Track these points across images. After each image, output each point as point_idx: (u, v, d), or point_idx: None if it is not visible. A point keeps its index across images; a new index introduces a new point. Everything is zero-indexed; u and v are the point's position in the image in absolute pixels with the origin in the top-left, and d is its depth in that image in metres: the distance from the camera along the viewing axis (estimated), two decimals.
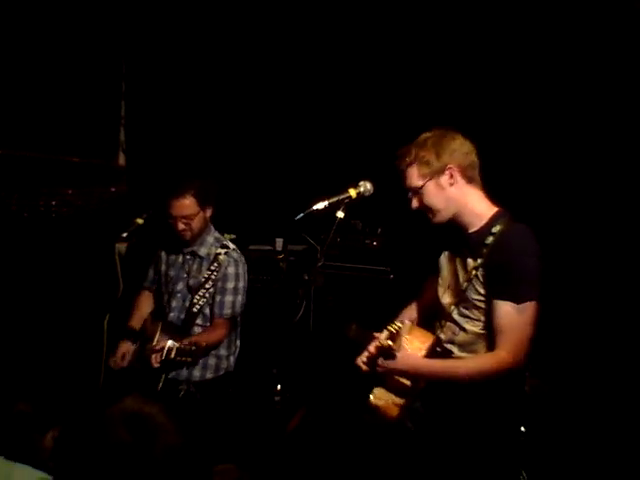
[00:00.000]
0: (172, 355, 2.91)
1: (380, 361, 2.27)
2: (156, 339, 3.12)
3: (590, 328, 3.47)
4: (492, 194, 2.34)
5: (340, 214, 2.35)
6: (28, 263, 4.05)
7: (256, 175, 4.61)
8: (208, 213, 3.20)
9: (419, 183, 2.29)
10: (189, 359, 2.93)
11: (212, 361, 3.22)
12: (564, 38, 3.66)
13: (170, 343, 2.93)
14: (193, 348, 2.90)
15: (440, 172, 2.28)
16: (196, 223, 3.14)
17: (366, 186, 2.36)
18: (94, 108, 4.41)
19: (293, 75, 4.47)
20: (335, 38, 4.26)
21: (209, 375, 3.22)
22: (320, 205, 2.35)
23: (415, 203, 2.33)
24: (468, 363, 2.28)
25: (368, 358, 2.40)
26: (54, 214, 4.28)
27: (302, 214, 2.37)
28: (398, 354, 2.21)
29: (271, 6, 4.35)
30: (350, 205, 2.37)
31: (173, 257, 3.30)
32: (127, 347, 3.24)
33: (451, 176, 2.28)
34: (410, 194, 2.33)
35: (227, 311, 3.19)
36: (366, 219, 4.24)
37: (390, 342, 2.20)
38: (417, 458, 2.33)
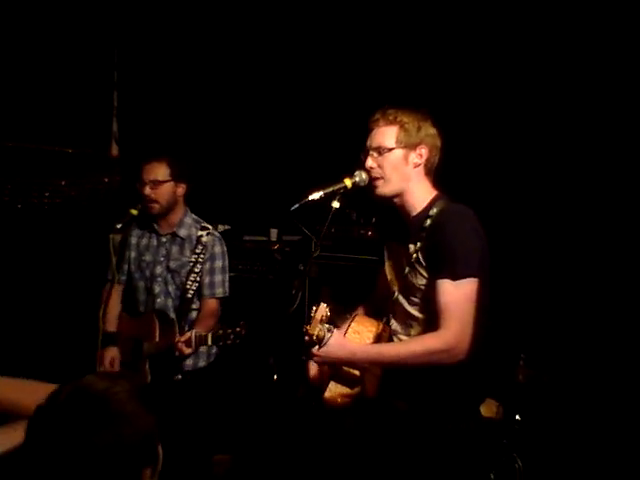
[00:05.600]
0: (209, 342, 2.91)
1: (312, 351, 2.18)
2: (157, 333, 3.08)
3: (585, 317, 3.48)
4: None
5: (335, 204, 2.32)
6: (22, 255, 4.03)
7: (250, 166, 4.59)
8: (180, 191, 3.16)
9: (391, 145, 2.27)
10: (237, 340, 2.87)
11: (203, 349, 3.18)
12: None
13: (196, 332, 2.94)
14: (238, 329, 2.86)
15: (413, 147, 2.28)
16: (164, 194, 3.10)
17: (361, 176, 2.33)
18: (86, 98, 4.38)
19: (287, 65, 4.44)
20: (328, 30, 4.24)
21: (202, 363, 3.21)
22: (315, 195, 2.32)
23: (371, 162, 2.30)
24: (410, 345, 2.25)
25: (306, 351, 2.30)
26: (47, 205, 4.25)
27: (297, 205, 2.34)
28: (330, 341, 2.14)
29: None
30: (345, 195, 2.35)
31: (145, 241, 3.25)
32: (112, 353, 3.19)
33: (420, 156, 2.29)
34: (371, 152, 2.31)
35: (219, 290, 3.19)
36: (360, 209, 4.24)
37: (308, 327, 2.12)
38: (366, 451, 2.27)
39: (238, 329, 2.84)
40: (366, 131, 2.36)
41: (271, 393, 3.64)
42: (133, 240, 3.28)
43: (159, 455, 1.35)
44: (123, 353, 3.21)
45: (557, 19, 3.62)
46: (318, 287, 4.07)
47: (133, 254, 3.28)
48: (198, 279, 3.14)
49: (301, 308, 3.98)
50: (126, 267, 3.31)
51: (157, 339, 3.08)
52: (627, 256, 3.45)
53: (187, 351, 2.94)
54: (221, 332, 2.87)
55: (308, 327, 2.13)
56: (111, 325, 3.27)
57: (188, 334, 2.95)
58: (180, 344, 2.94)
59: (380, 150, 2.29)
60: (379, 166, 2.29)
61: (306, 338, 2.15)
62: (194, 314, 3.20)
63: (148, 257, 3.23)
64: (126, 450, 1.25)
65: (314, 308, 2.13)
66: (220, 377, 3.34)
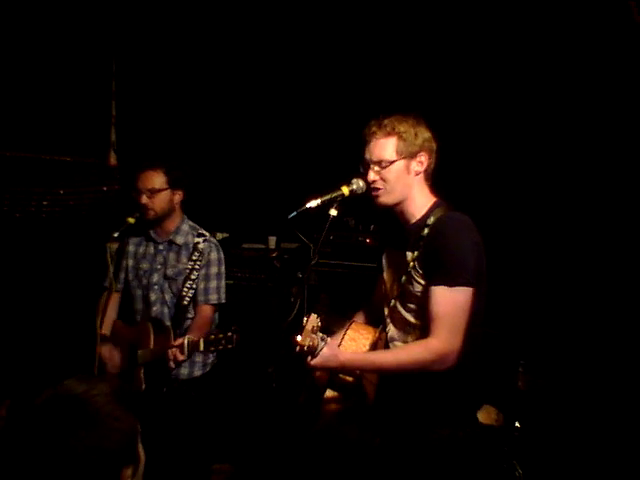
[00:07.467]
0: (201, 347, 2.84)
1: (306, 361, 2.17)
2: (152, 340, 3.07)
3: (585, 323, 3.48)
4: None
5: (333, 212, 2.33)
6: (20, 264, 4.03)
7: (248, 174, 4.60)
8: (177, 198, 3.15)
9: (392, 158, 2.26)
10: (229, 345, 2.82)
11: (199, 358, 3.18)
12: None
13: (188, 337, 2.89)
14: (229, 334, 2.80)
15: (414, 156, 2.28)
16: (160, 202, 3.09)
17: (359, 184, 2.34)
18: (85, 107, 4.39)
19: (285, 74, 4.46)
20: (324, 39, 4.25)
21: (197, 372, 3.20)
22: (313, 203, 2.33)
23: (374, 175, 2.29)
24: (398, 353, 2.27)
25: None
26: (45, 214, 4.26)
27: (295, 212, 2.35)
28: (324, 351, 2.13)
29: (263, 3, 4.34)
30: (343, 203, 2.35)
31: (142, 249, 3.25)
32: (107, 347, 3.19)
33: (421, 163, 2.29)
34: (372, 165, 2.29)
35: (213, 296, 3.16)
36: (359, 216, 4.24)
37: (299, 338, 2.11)
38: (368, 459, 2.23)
39: (230, 334, 2.80)
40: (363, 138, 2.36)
41: (270, 402, 3.63)
42: (131, 248, 3.28)
43: (140, 455, 1.35)
44: (118, 361, 3.20)
45: (553, 26, 3.64)
46: (317, 294, 4.07)
47: (131, 262, 3.27)
48: (194, 286, 3.13)
49: (300, 316, 4.00)
50: (123, 275, 3.30)
51: (152, 346, 3.06)
52: (626, 262, 3.45)
53: (180, 357, 2.90)
54: (213, 337, 2.84)
55: (299, 338, 2.12)
56: (105, 329, 3.27)
57: (180, 340, 2.91)
58: (174, 350, 2.91)
59: (382, 163, 2.28)
60: (382, 179, 2.29)
61: (297, 349, 2.13)
62: (189, 322, 3.18)
63: (145, 265, 3.23)
64: (103, 451, 1.26)
65: (305, 319, 2.12)
66: (219, 385, 3.33)
